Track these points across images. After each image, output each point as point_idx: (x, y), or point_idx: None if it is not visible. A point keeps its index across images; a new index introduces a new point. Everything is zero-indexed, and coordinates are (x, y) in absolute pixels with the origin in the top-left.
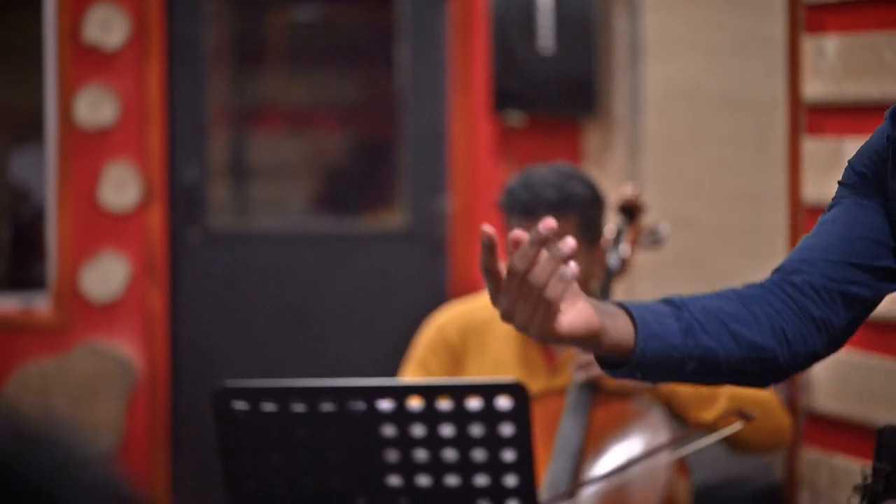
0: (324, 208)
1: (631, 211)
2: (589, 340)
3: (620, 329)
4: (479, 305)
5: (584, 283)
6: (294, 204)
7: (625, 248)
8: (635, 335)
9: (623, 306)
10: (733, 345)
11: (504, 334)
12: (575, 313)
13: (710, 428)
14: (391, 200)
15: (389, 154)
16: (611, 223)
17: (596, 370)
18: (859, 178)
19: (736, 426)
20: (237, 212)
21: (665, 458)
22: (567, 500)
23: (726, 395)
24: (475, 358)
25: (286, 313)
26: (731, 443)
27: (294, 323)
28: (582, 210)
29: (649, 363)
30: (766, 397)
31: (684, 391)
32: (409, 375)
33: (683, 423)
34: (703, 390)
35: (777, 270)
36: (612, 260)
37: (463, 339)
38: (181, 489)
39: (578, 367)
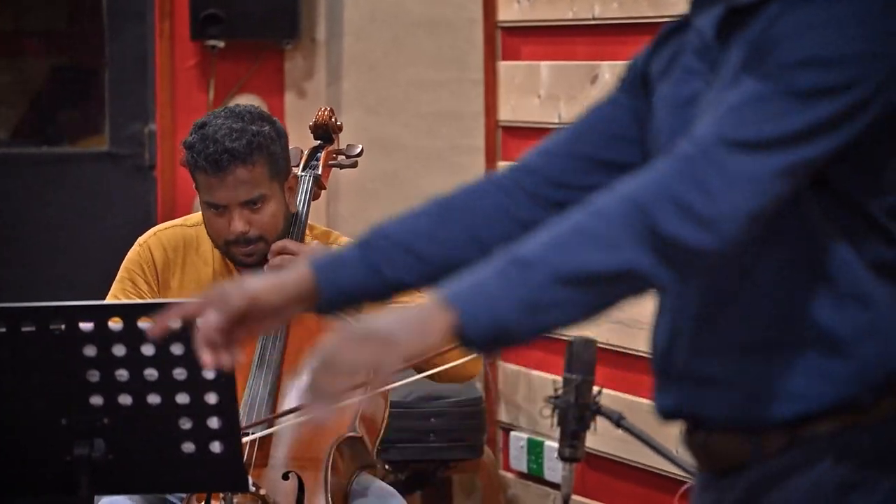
0: (29, 137)
1: (324, 133)
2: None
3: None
4: (186, 224)
5: (280, 216)
6: None
7: (318, 168)
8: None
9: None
10: (419, 266)
11: (206, 254)
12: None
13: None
14: (101, 129)
15: (97, 80)
16: (308, 146)
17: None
18: (628, 72)
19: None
20: None
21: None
22: (267, 426)
23: None
24: (178, 276)
25: None
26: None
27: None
28: (268, 150)
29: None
30: None
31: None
32: (113, 296)
33: None
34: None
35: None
36: (304, 182)
37: (166, 257)
38: None
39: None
